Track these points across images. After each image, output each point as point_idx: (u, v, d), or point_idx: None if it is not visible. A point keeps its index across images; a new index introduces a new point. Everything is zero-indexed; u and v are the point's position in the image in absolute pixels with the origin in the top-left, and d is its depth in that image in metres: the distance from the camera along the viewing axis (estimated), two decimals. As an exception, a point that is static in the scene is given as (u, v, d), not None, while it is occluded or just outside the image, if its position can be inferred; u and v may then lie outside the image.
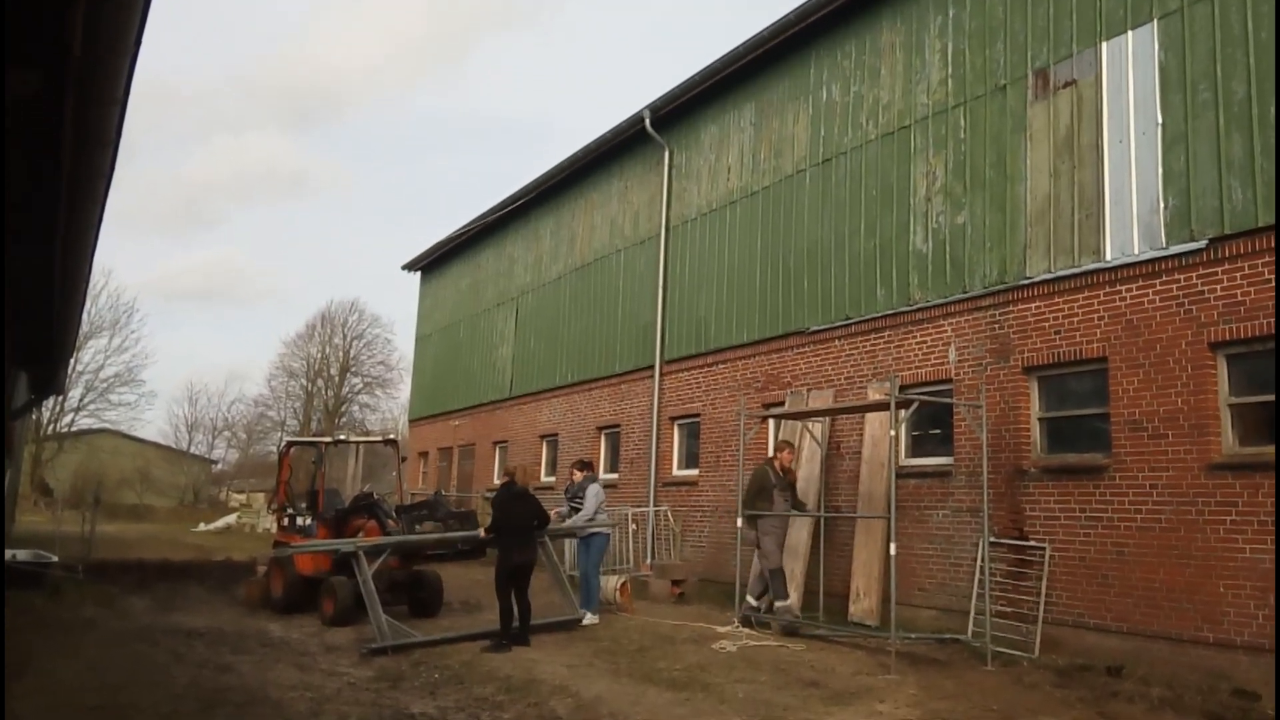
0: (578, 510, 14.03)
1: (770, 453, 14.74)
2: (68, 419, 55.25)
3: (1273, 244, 9.73)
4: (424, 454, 32.11)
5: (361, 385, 68.10)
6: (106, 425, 60.03)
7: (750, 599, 13.55)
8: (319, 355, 67.65)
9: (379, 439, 19.53)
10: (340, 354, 67.31)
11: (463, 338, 30.09)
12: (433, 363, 32.46)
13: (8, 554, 15.47)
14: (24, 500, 38.82)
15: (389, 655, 10.73)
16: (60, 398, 47.19)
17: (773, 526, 13.31)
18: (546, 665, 10.26)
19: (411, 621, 12.90)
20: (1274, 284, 9.66)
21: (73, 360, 33.51)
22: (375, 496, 15.11)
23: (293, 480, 16.54)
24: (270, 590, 14.60)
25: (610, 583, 14.75)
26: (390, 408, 69.38)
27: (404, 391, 59.51)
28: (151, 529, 40.06)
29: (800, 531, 14.50)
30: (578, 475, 14.39)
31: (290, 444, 17.82)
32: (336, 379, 67.07)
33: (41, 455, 51.30)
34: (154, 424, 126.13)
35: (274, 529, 18.23)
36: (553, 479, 23.03)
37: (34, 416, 40.01)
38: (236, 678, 9.42)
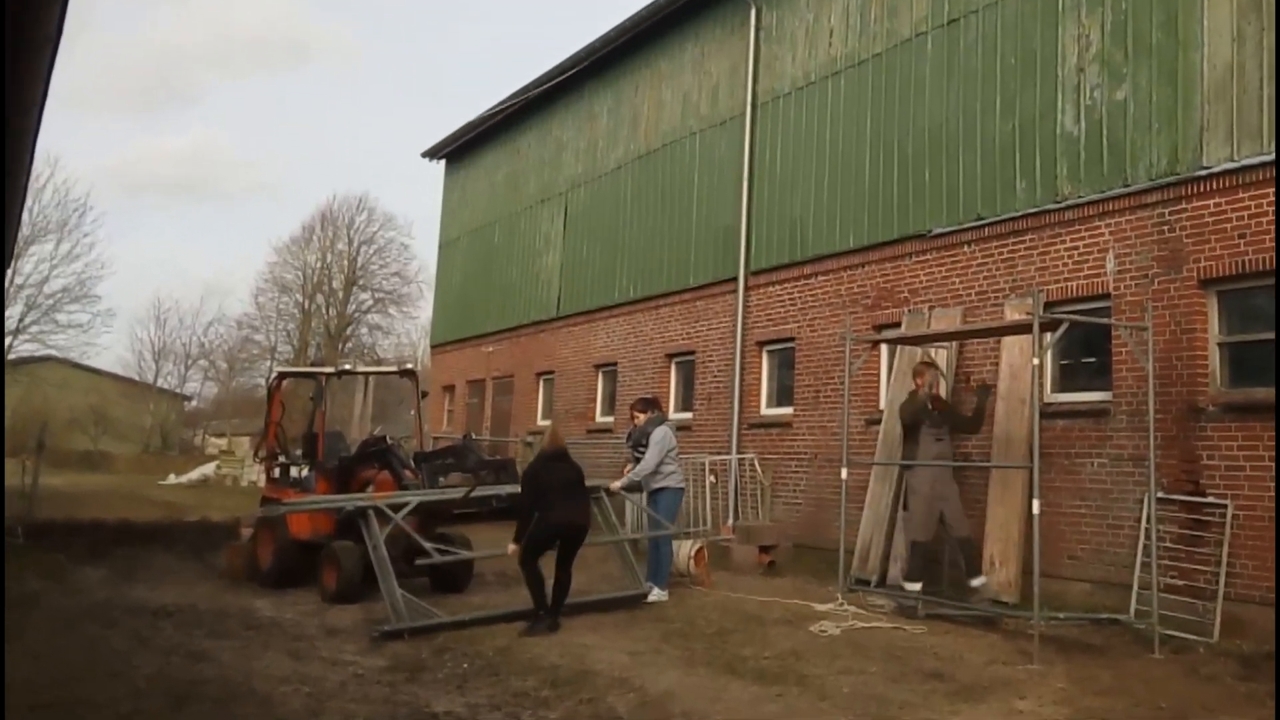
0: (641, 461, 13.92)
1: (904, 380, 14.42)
2: (5, 344, 55.67)
3: None
4: (449, 388, 32.55)
5: (371, 302, 69.01)
6: (52, 351, 61.11)
7: (904, 583, 13.20)
8: (319, 265, 68.50)
9: (393, 369, 19.72)
10: (345, 263, 68.07)
11: (498, 243, 30.27)
12: (460, 274, 32.73)
13: None
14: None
15: (406, 639, 10.83)
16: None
17: (922, 482, 13.01)
18: (603, 652, 10.38)
19: (434, 598, 13.01)
20: None
21: (10, 271, 33.87)
22: (389, 441, 15.19)
23: (285, 421, 16.68)
24: (257, 559, 14.77)
25: (683, 549, 14.87)
26: (407, 330, 70.46)
27: (425, 310, 60.19)
28: (109, 481, 40.94)
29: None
30: (640, 417, 14.28)
31: (283, 376, 18.06)
32: (340, 294, 67.91)
33: (-30, 389, 52.06)
34: (112, 350, 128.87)
35: (262, 482, 18.57)
36: (610, 419, 23.29)
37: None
38: (214, 668, 9.53)
